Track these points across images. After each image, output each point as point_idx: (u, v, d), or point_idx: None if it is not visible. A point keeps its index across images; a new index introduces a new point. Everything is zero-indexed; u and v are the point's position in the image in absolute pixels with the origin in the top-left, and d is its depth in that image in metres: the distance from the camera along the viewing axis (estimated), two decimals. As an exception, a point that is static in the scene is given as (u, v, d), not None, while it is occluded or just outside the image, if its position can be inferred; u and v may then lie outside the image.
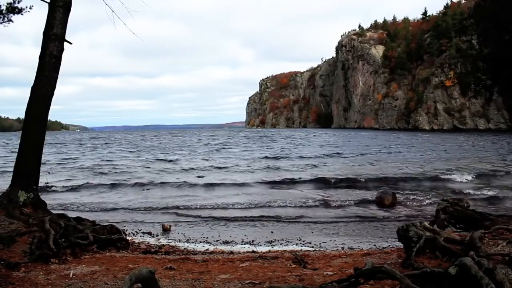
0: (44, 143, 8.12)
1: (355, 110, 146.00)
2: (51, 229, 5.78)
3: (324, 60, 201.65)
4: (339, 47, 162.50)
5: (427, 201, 12.83)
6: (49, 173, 20.25)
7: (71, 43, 8.06)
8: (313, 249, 7.47)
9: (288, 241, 8.38)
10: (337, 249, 7.36)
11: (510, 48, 9.32)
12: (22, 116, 8.19)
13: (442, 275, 3.16)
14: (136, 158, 31.46)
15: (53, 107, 8.11)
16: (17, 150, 7.78)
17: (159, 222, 10.23)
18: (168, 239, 8.52)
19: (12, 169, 7.74)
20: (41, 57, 7.69)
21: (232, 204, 12.75)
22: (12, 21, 8.52)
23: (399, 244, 5.45)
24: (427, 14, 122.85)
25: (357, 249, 7.32)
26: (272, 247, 7.72)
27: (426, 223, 5.24)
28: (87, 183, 17.15)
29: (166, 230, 9.44)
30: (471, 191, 14.18)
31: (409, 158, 27.55)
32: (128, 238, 7.44)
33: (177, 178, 18.80)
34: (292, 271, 4.89)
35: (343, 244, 8.02)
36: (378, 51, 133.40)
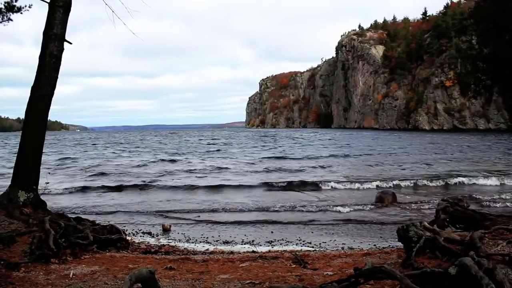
0: (44, 143, 8.12)
1: (355, 110, 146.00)
2: (51, 229, 5.78)
3: (324, 60, 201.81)
4: (339, 47, 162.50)
5: (427, 201, 12.83)
6: (49, 173, 20.26)
7: (71, 43, 8.06)
8: (313, 249, 7.47)
9: (288, 241, 8.38)
10: (337, 249, 7.36)
11: (510, 48, 9.32)
12: (22, 116, 8.19)
13: (442, 275, 3.16)
14: (136, 159, 31.33)
15: (53, 107, 8.13)
16: (15, 150, 7.80)
17: (159, 222, 10.24)
18: (168, 239, 8.52)
19: (10, 170, 7.74)
20: (41, 57, 7.69)
21: (236, 207, 12.49)
22: (12, 20, 8.52)
23: (399, 244, 5.45)
24: (427, 14, 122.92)
25: (357, 249, 7.32)
26: (272, 247, 7.72)
27: (426, 223, 5.24)
28: (85, 187, 16.67)
29: (166, 230, 9.44)
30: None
31: (427, 158, 26.95)
32: (128, 238, 7.44)
33: (179, 179, 18.64)
34: (292, 271, 4.89)
35: (343, 244, 8.02)
36: (378, 51, 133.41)
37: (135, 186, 16.67)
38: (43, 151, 8.27)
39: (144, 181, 17.67)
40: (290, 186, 16.41)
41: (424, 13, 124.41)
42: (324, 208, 12.18)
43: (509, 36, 9.62)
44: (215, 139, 73.44)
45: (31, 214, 7.04)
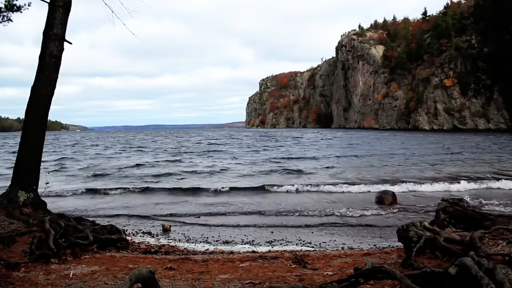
0: (44, 143, 8.13)
1: (355, 110, 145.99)
2: (51, 229, 5.78)
3: (324, 60, 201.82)
4: (339, 47, 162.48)
5: (427, 201, 12.84)
6: (48, 173, 20.22)
7: (71, 43, 8.06)
8: (313, 249, 7.47)
9: (288, 241, 8.38)
10: (337, 249, 7.36)
11: (510, 48, 9.31)
12: (22, 116, 8.20)
13: (442, 275, 3.16)
14: (137, 159, 31.29)
15: (53, 107, 8.13)
16: (13, 150, 7.80)
17: (159, 223, 10.24)
18: (168, 239, 8.52)
19: (7, 170, 7.74)
20: (41, 57, 7.69)
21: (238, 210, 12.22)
22: (11, 20, 8.52)
23: (399, 244, 5.44)
24: (427, 14, 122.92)
25: (357, 249, 7.32)
26: (272, 247, 7.72)
27: (426, 223, 5.24)
28: (85, 189, 16.19)
29: (166, 230, 9.44)
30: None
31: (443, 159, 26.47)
32: (128, 238, 7.44)
33: (185, 179, 18.44)
34: (292, 271, 4.89)
35: (343, 244, 8.02)
36: (378, 51, 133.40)
37: (143, 189, 16.07)
38: (43, 151, 8.27)
39: (145, 185, 17.25)
40: (294, 188, 16.02)
41: (424, 13, 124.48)
42: (325, 209, 12.19)
43: (509, 35, 9.61)
44: (217, 139, 73.13)
45: (31, 214, 7.04)
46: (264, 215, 11.34)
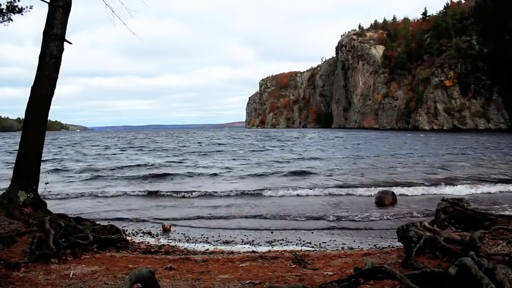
0: (44, 143, 8.13)
1: (355, 110, 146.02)
2: (51, 229, 5.78)
3: (324, 60, 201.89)
4: (339, 47, 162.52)
5: (427, 200, 12.84)
6: (48, 173, 20.17)
7: (71, 43, 8.07)
8: (313, 249, 7.47)
9: (288, 241, 8.38)
10: (337, 249, 7.36)
11: (510, 48, 9.31)
12: (22, 116, 8.20)
13: (442, 275, 3.16)
14: (139, 160, 31.24)
15: (53, 107, 8.13)
16: (13, 149, 7.80)
17: (159, 222, 10.23)
18: (168, 239, 8.52)
19: (7, 170, 7.72)
20: (41, 57, 7.69)
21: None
22: (12, 20, 8.54)
23: (399, 244, 5.45)
24: (427, 14, 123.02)
25: (357, 249, 7.32)
26: (272, 247, 7.72)
27: (426, 223, 5.24)
28: (82, 192, 15.53)
29: (166, 230, 9.44)
30: None
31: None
32: (128, 238, 7.44)
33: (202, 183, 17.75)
34: (292, 271, 4.89)
35: (343, 244, 8.02)
36: (378, 51, 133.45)
37: (148, 193, 15.34)
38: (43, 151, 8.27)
39: (154, 184, 16.87)
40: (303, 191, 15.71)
41: (424, 13, 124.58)
42: (324, 208, 12.19)
43: (509, 35, 9.61)
44: (219, 138, 72.76)
45: (31, 214, 7.04)
46: (266, 218, 11.03)
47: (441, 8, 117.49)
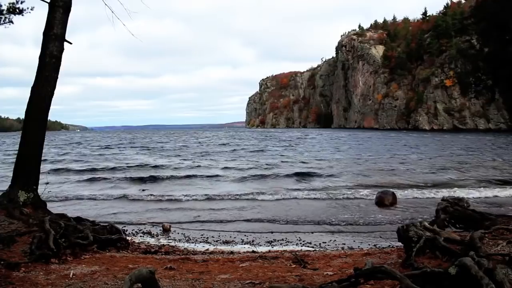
0: (44, 143, 8.13)
1: (355, 110, 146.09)
2: (51, 229, 5.78)
3: (324, 60, 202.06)
4: (339, 47, 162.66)
5: (427, 201, 12.84)
6: (48, 173, 20.13)
7: (71, 43, 8.07)
8: (313, 249, 7.47)
9: (288, 241, 8.38)
10: (337, 249, 7.36)
11: (511, 48, 9.32)
12: (22, 116, 8.20)
13: (442, 275, 3.16)
14: (139, 160, 31.15)
15: (53, 107, 8.14)
16: (11, 151, 7.79)
17: (159, 222, 10.22)
18: (168, 239, 8.52)
19: (6, 170, 7.68)
20: (41, 57, 7.70)
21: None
22: (13, 23, 8.55)
23: (399, 244, 5.45)
24: (427, 14, 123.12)
25: (357, 249, 7.32)
26: (272, 247, 7.72)
27: (426, 223, 5.24)
28: (81, 194, 15.09)
29: (166, 230, 9.43)
30: None
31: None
32: (128, 238, 7.43)
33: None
34: (292, 271, 4.89)
35: (343, 244, 8.02)
36: (378, 51, 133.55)
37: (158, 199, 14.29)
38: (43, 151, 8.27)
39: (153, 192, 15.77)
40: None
41: (424, 13, 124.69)
42: (324, 208, 12.19)
43: (509, 35, 9.62)
44: (220, 138, 72.02)
45: (31, 214, 7.05)
46: (268, 221, 10.68)
47: (441, 8, 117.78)
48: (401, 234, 5.01)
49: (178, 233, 9.20)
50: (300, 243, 8.19)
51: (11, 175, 7.89)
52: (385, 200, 12.41)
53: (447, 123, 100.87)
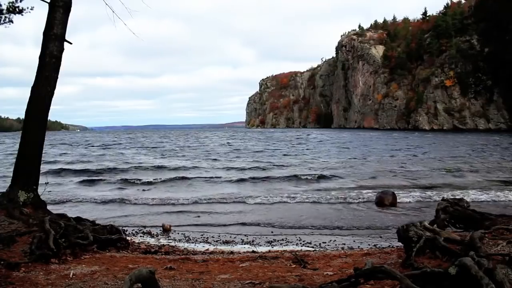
0: (44, 143, 8.12)
1: (355, 110, 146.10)
2: (51, 229, 5.78)
3: (324, 60, 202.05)
4: (339, 47, 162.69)
5: (426, 201, 12.85)
6: (47, 176, 20.04)
7: (71, 43, 8.07)
8: (313, 249, 7.47)
9: (288, 241, 8.38)
10: (337, 249, 7.36)
11: (511, 48, 9.32)
12: (22, 116, 8.20)
13: (442, 275, 3.16)
14: (140, 161, 31.04)
15: (53, 107, 8.13)
16: (11, 151, 7.78)
17: (159, 222, 10.22)
18: (168, 239, 8.52)
19: (6, 170, 7.65)
20: (41, 57, 7.69)
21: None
22: (12, 22, 8.55)
23: (399, 244, 5.45)
24: (427, 14, 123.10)
25: (357, 249, 7.32)
26: (272, 247, 7.72)
27: (426, 223, 5.24)
28: (82, 196, 14.75)
29: (166, 230, 9.44)
30: None
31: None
32: (128, 238, 7.44)
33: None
34: (292, 271, 4.89)
35: (343, 244, 8.02)
36: (378, 51, 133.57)
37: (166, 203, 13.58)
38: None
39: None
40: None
41: (424, 13, 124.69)
42: (324, 208, 12.19)
43: (509, 35, 9.62)
44: (222, 139, 71.57)
45: (31, 214, 7.04)
46: (270, 223, 10.44)
47: (441, 8, 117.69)
48: (401, 234, 5.01)
49: (178, 233, 9.20)
50: (300, 243, 8.19)
51: (11, 175, 7.88)
52: (385, 200, 12.41)
53: (447, 123, 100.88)
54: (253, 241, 8.46)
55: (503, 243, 4.62)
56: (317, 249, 7.42)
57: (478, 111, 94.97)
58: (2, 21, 8.44)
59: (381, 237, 8.70)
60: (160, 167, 24.16)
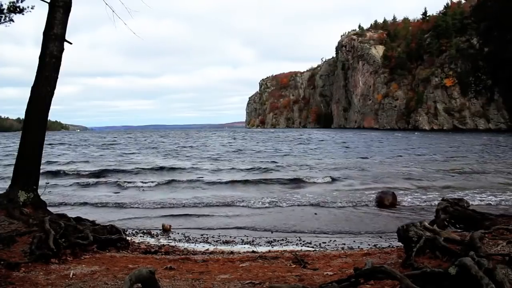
0: (44, 143, 8.12)
1: (355, 110, 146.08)
2: (51, 229, 5.78)
3: (324, 60, 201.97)
4: (339, 47, 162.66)
5: (427, 201, 12.85)
6: (47, 179, 19.97)
7: (71, 43, 8.07)
8: (313, 249, 7.47)
9: (288, 241, 8.38)
10: (337, 249, 7.37)
11: (511, 48, 9.31)
12: (22, 116, 8.20)
13: (442, 275, 3.16)
14: (141, 162, 30.97)
15: (53, 107, 8.13)
16: (11, 150, 7.77)
17: (159, 223, 10.22)
18: (168, 239, 8.52)
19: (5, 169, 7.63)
20: (41, 57, 7.69)
21: None
22: (13, 21, 8.55)
23: (399, 244, 5.45)
24: (427, 14, 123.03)
25: (357, 249, 7.33)
26: (272, 247, 7.72)
27: (426, 223, 5.23)
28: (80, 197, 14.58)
29: (166, 230, 9.44)
30: None
31: None
32: (128, 238, 7.43)
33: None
34: (292, 271, 4.89)
35: (343, 244, 8.02)
36: (378, 51, 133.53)
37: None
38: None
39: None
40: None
41: (424, 13, 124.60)
42: (324, 208, 12.20)
43: (510, 35, 9.61)
44: (222, 139, 71.11)
45: (31, 214, 7.04)
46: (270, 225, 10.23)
47: (441, 8, 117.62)
48: (401, 234, 5.01)
49: (178, 233, 9.20)
50: (300, 243, 8.19)
51: (8, 175, 7.86)
52: (385, 200, 12.41)
53: (447, 123, 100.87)
54: (253, 241, 8.47)
55: (503, 243, 4.62)
56: (317, 249, 7.42)
57: (478, 111, 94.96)
58: (2, 20, 8.44)
59: (381, 237, 8.71)
60: (160, 168, 24.06)
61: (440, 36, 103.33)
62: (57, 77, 7.87)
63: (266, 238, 8.73)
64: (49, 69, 7.68)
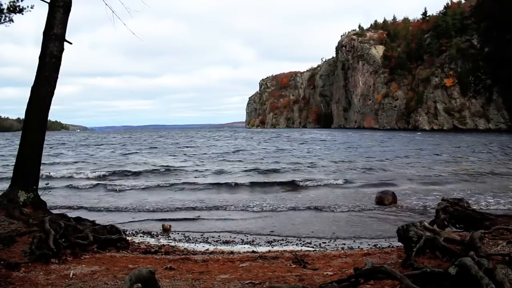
0: (44, 143, 8.13)
1: (355, 110, 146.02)
2: (51, 229, 5.78)
3: (324, 60, 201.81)
4: (339, 47, 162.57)
5: (427, 201, 12.84)
6: (49, 173, 20.11)
7: (71, 43, 8.07)
8: (313, 249, 7.48)
9: (288, 241, 8.38)
10: (337, 249, 7.37)
11: (511, 48, 9.31)
12: (22, 116, 8.21)
13: (442, 275, 3.16)
14: (144, 164, 30.91)
15: (53, 107, 8.14)
16: (11, 150, 7.76)
17: (159, 223, 10.22)
18: (168, 239, 8.52)
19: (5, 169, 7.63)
20: (41, 57, 7.70)
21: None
22: (13, 21, 8.56)
23: (399, 244, 5.44)
24: (427, 14, 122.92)
25: (357, 249, 7.33)
26: (272, 247, 7.72)
27: (426, 223, 5.23)
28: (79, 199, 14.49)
29: (166, 230, 9.44)
30: None
31: None
32: (128, 238, 7.43)
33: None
34: (292, 271, 4.89)
35: (343, 244, 8.02)
36: (378, 51, 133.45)
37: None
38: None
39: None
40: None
41: (424, 13, 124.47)
42: (325, 208, 12.19)
43: (510, 35, 9.61)
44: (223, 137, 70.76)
45: (31, 214, 7.05)
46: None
47: (441, 8, 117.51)
48: (401, 234, 5.01)
49: (178, 233, 9.20)
50: (300, 243, 8.19)
51: (8, 175, 7.87)
52: (385, 200, 12.42)
53: (447, 123, 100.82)
54: (253, 241, 8.47)
55: (503, 243, 4.62)
56: (317, 249, 7.42)
57: (478, 111, 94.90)
58: (2, 20, 8.45)
59: (381, 237, 8.70)
60: (160, 168, 23.96)
61: (440, 36, 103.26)
62: (57, 77, 7.88)
63: (266, 238, 8.74)
64: (49, 69, 7.69)
